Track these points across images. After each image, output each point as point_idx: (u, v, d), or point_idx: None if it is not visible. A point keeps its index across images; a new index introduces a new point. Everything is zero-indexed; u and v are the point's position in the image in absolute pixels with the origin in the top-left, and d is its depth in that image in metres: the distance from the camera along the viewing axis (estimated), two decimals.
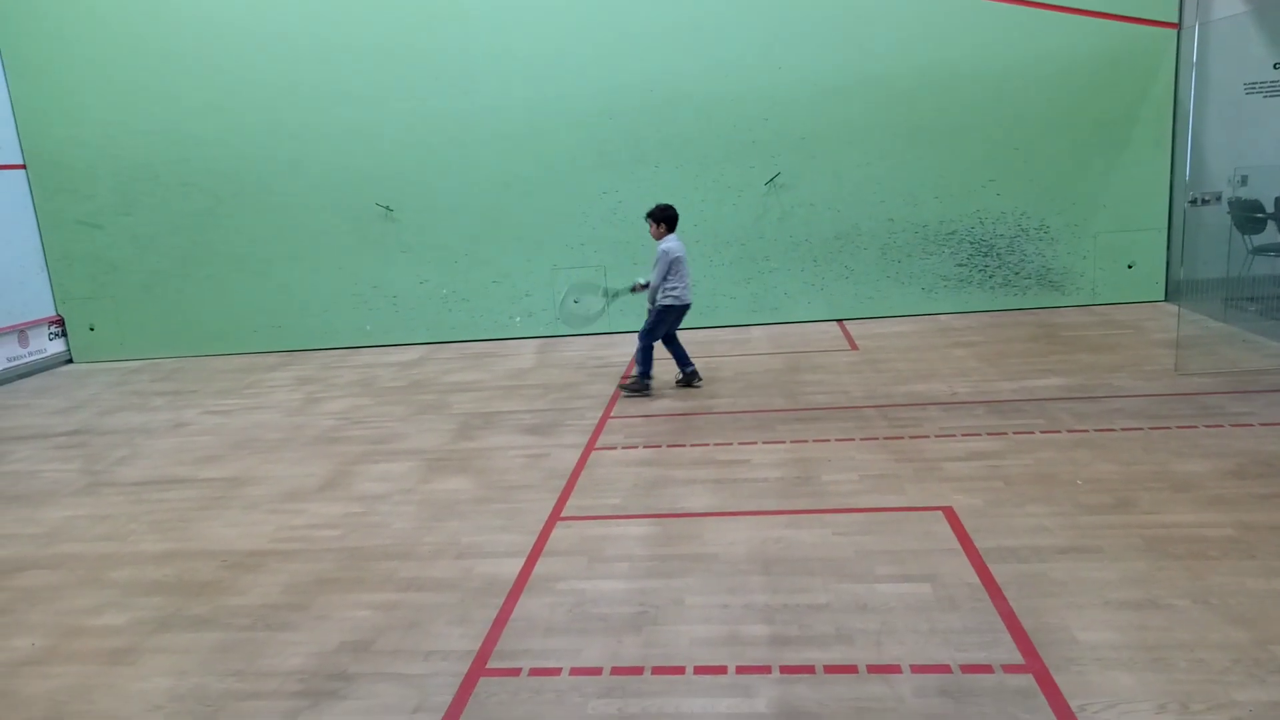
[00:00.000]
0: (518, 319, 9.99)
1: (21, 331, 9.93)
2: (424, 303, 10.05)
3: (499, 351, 9.36)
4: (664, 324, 6.97)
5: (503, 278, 9.93)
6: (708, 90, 9.30)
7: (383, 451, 6.20)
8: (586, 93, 9.42)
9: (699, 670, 3.27)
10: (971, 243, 9.35)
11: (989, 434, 5.59)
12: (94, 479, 6.09)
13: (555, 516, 4.81)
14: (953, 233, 9.36)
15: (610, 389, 7.38)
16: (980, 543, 4.11)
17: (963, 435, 5.61)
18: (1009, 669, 3.14)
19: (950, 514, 4.45)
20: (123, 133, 9.95)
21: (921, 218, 9.36)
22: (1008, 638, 3.33)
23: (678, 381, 7.23)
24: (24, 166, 10.12)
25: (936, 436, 5.62)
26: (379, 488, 5.48)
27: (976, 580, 3.78)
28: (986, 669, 3.15)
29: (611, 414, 6.67)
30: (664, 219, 6.88)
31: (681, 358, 7.15)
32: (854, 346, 8.35)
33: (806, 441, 5.70)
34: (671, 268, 6.76)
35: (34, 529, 5.22)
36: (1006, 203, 9.23)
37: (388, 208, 9.86)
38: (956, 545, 4.11)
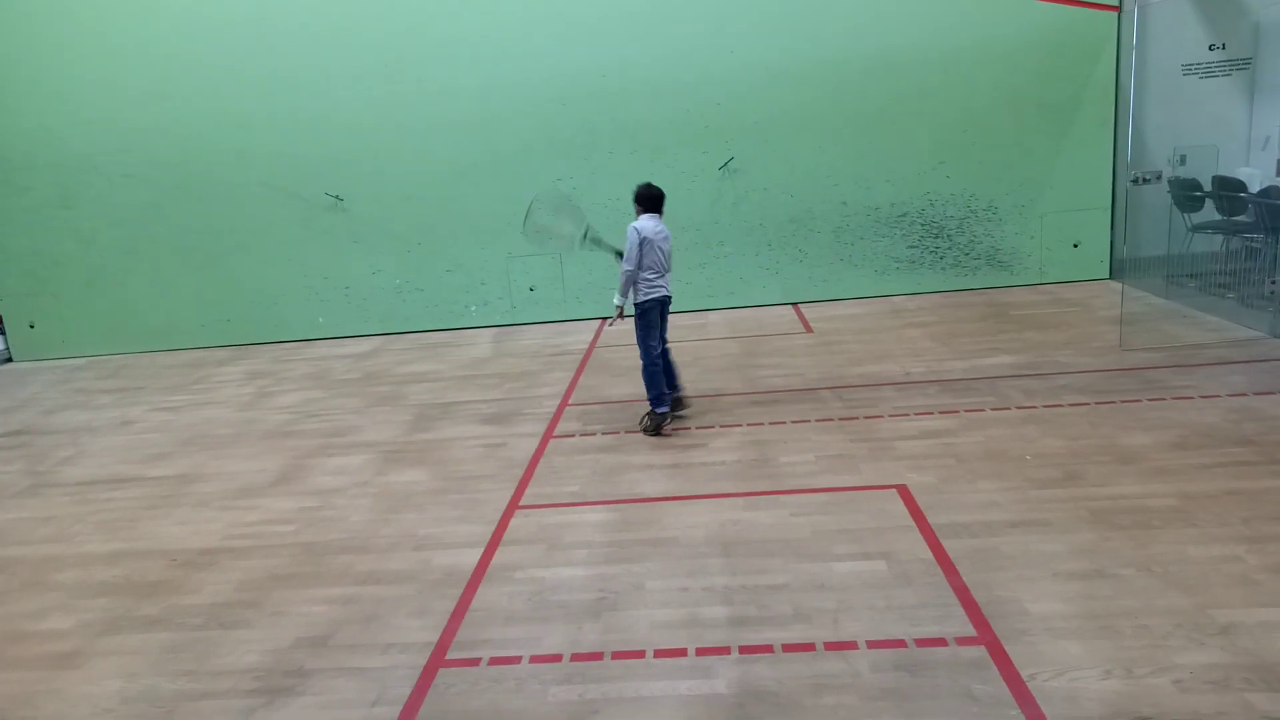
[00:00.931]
0: (473, 308, 9.90)
1: None
2: (377, 293, 9.91)
3: (454, 341, 9.28)
4: (651, 327, 5.74)
5: (456, 267, 9.82)
6: (660, 75, 9.27)
7: (337, 445, 6.12)
8: (538, 79, 9.33)
9: (659, 653, 3.29)
10: (923, 224, 9.47)
11: (941, 412, 5.68)
12: (37, 480, 5.92)
13: (514, 505, 4.79)
14: (904, 215, 9.47)
15: (568, 375, 7.35)
16: (933, 519, 4.18)
17: (916, 414, 5.69)
18: (962, 641, 3.20)
19: (904, 492, 4.52)
20: (61, 123, 9.63)
21: (874, 200, 9.45)
22: (960, 611, 3.40)
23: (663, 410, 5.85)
24: None
25: (890, 416, 5.70)
26: (334, 481, 5.41)
27: (930, 556, 3.84)
28: (940, 642, 3.21)
29: (569, 402, 6.65)
30: (640, 198, 5.72)
31: (668, 373, 5.91)
32: (809, 329, 8.42)
33: (763, 424, 5.74)
34: (642, 252, 5.61)
35: None
36: (956, 185, 9.36)
37: (338, 197, 9.69)
38: (910, 522, 4.18)
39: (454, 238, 9.76)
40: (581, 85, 9.32)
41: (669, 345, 5.98)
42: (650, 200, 5.71)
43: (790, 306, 9.56)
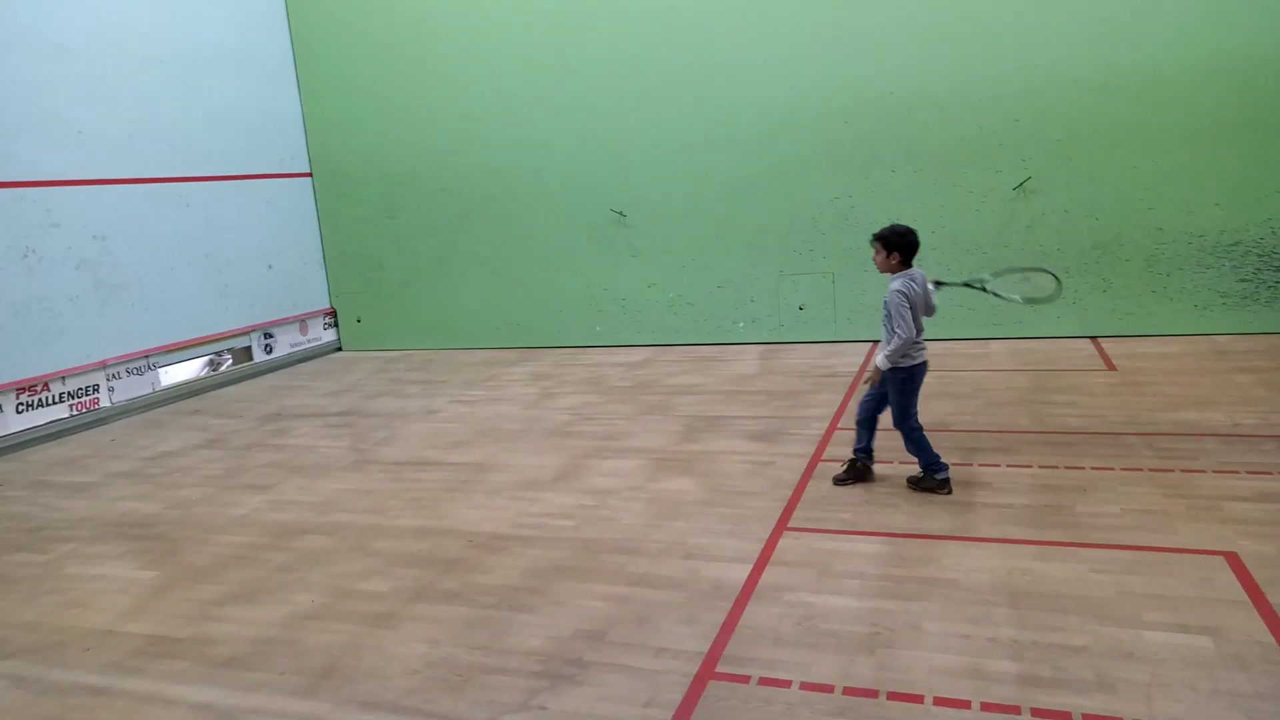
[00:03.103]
0: (741, 324, 9.99)
1: (302, 321, 11.21)
2: (651, 306, 10.30)
3: (722, 356, 9.42)
4: (913, 394, 5.04)
5: (727, 283, 9.97)
6: (951, 90, 8.85)
7: (611, 448, 6.41)
8: (821, 95, 9.27)
9: (939, 701, 3.10)
10: (1259, 255, 8.26)
11: None
12: (360, 456, 6.75)
13: (782, 526, 4.75)
14: (1236, 244, 8.31)
15: (837, 398, 7.20)
16: (1274, 596, 3.61)
17: (1248, 473, 4.96)
18: None
19: (1234, 560, 3.94)
20: (390, 143, 10.98)
21: (1197, 226, 8.39)
22: None
23: (840, 475, 5.30)
24: (310, 175, 11.42)
25: (1215, 472, 5.01)
26: (609, 483, 5.67)
27: (1271, 640, 3.31)
28: None
29: (838, 426, 6.50)
30: (895, 245, 4.90)
31: (867, 439, 5.26)
32: (1111, 366, 7.63)
33: (1058, 467, 5.27)
34: (914, 318, 4.86)
35: (312, 498, 5.86)
36: None
37: (621, 213, 10.20)
38: (1244, 597, 3.63)
39: (727, 254, 9.92)
40: (867, 101, 9.13)
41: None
42: (912, 250, 4.92)
43: (1089, 340, 8.72)
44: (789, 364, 8.76)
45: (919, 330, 4.89)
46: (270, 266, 10.75)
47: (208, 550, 5.06)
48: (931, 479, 5.03)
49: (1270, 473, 4.93)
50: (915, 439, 5.03)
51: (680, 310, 10.20)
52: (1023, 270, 5.96)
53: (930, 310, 5.02)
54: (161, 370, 9.27)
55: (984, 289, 5.36)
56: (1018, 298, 5.56)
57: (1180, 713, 2.94)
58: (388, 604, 4.19)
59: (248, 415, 8.40)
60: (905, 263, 4.93)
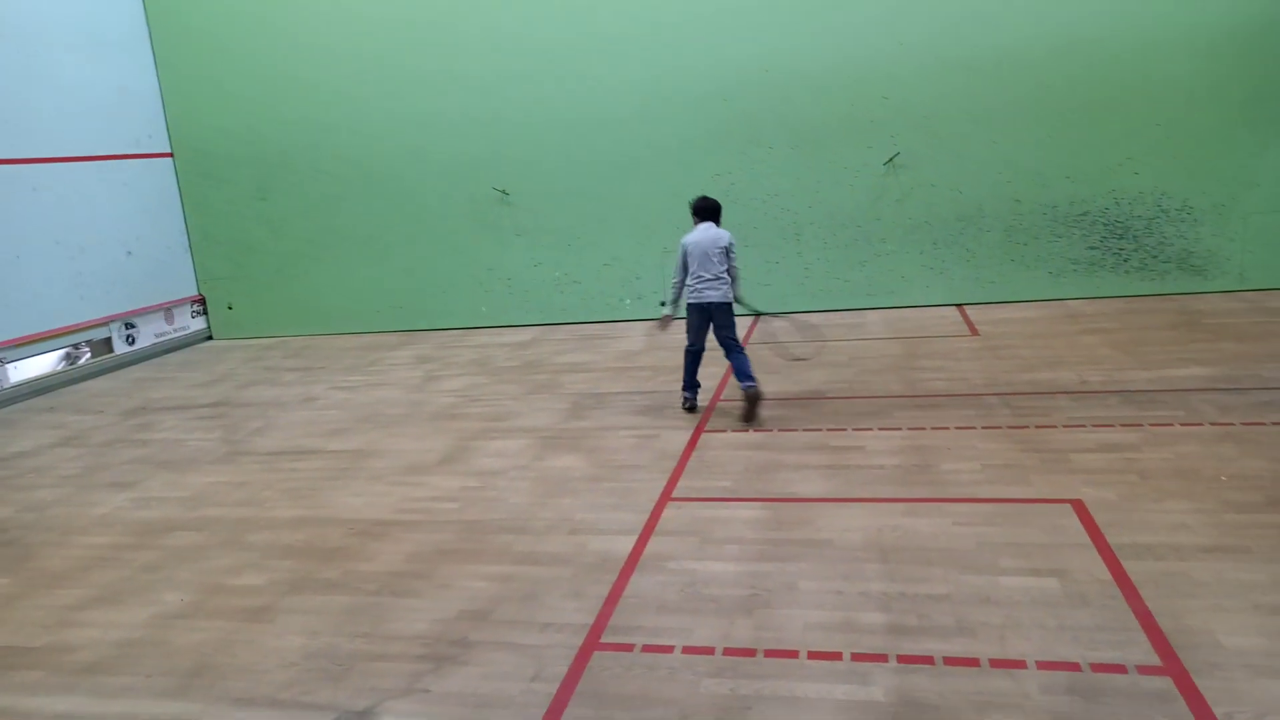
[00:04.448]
0: (628, 301, 10.05)
1: (168, 309, 10.64)
2: (537, 285, 10.23)
3: (609, 334, 9.45)
4: (690, 327, 6.18)
5: (614, 260, 10.00)
6: (825, 69, 9.09)
7: (498, 429, 6.37)
8: (700, 74, 9.36)
9: (813, 655, 3.23)
10: (1105, 224, 8.85)
11: (1123, 425, 5.30)
12: (233, 448, 6.48)
13: (666, 497, 4.83)
14: (1085, 214, 8.88)
15: (719, 371, 7.35)
16: (1113, 538, 3.91)
17: (1094, 426, 5.33)
18: (1144, 670, 2.98)
19: (1080, 507, 4.24)
20: (259, 121, 10.49)
21: (1051, 198, 8.91)
22: (1143, 638, 3.16)
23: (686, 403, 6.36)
24: (171, 155, 10.80)
25: (1065, 427, 5.37)
26: (495, 463, 5.63)
27: (1109, 577, 3.59)
28: (1119, 669, 3.00)
29: (721, 397, 6.65)
30: (695, 210, 6.24)
31: (689, 376, 6.32)
32: (975, 332, 8.04)
33: (925, 429, 5.54)
34: (685, 263, 6.07)
35: (180, 493, 5.60)
36: (1145, 182, 8.69)
37: (504, 191, 10.07)
38: (1087, 540, 3.92)
39: (612, 232, 9.94)
40: (744, 80, 9.28)
41: (744, 352, 6.09)
42: (707, 213, 6.17)
43: (955, 308, 9.17)
44: (676, 340, 8.84)
45: (701, 276, 6.00)
46: (130, 253, 10.14)
47: (66, 554, 4.77)
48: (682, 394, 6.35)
49: (1112, 425, 5.32)
50: (685, 361, 6.26)
51: (567, 289, 10.17)
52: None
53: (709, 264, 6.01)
54: (10, 366, 8.64)
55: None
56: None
57: (1030, 649, 3.16)
58: (263, 598, 4.06)
59: (109, 410, 7.94)
60: (699, 222, 6.16)
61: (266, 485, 5.60)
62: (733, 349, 6.08)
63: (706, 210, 6.18)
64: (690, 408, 6.32)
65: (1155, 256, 8.80)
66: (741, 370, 5.99)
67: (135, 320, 10.12)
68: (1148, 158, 8.64)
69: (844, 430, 5.65)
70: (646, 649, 3.37)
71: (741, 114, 9.36)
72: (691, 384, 6.32)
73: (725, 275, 6.02)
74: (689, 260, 6.04)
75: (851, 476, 4.89)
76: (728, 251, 6.05)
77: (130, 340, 10.04)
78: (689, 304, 6.09)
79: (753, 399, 5.91)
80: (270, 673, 3.43)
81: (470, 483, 5.33)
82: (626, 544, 4.28)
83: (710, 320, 6.07)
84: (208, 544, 4.74)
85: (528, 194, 10.05)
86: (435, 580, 4.09)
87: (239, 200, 10.76)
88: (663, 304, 6.00)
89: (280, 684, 3.35)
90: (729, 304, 6.06)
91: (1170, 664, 3.00)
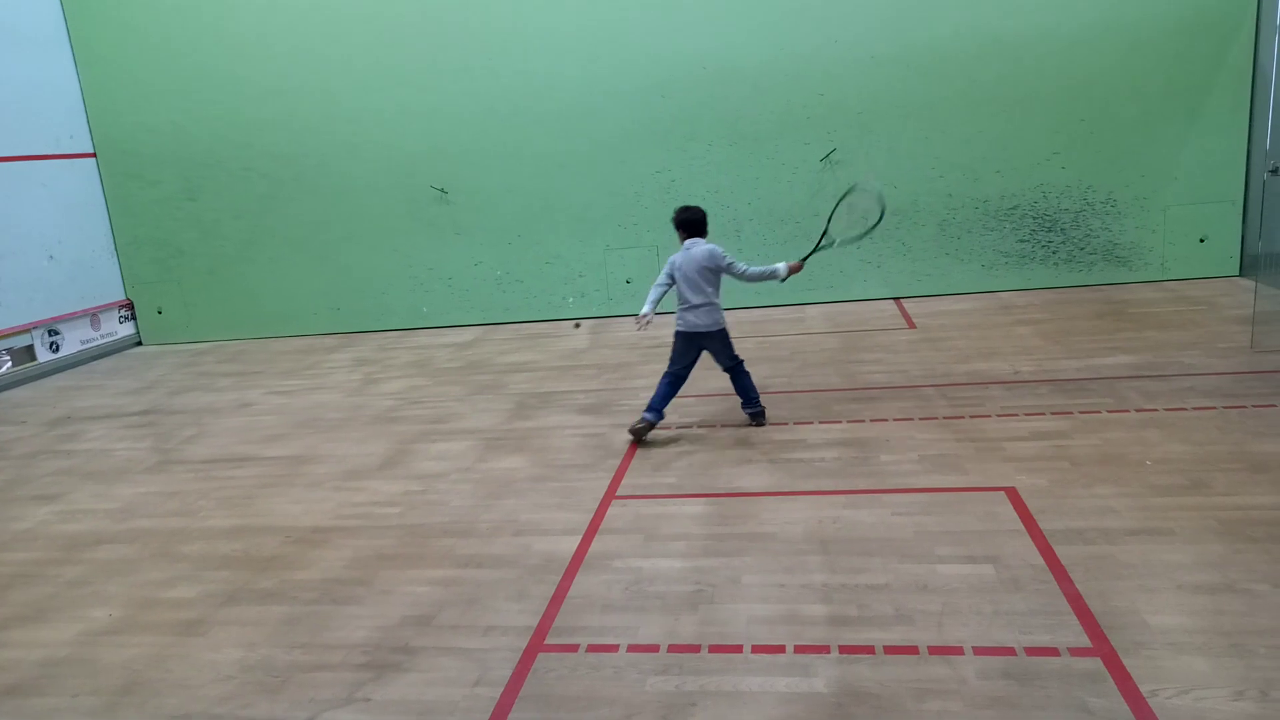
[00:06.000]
0: (571, 300, 10.01)
1: (94, 315, 10.27)
2: (478, 284, 10.13)
3: (553, 332, 9.41)
4: (674, 352, 5.62)
5: (555, 259, 9.95)
6: (761, 65, 9.16)
7: (440, 431, 6.29)
8: (638, 70, 9.36)
9: (757, 649, 3.26)
10: (1034, 218, 9.10)
11: (1053, 413, 5.45)
12: (164, 457, 6.28)
13: (611, 495, 4.83)
14: (1014, 208, 9.11)
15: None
16: (1045, 524, 4.02)
17: (1026, 415, 5.48)
18: (1076, 652, 3.07)
19: (1013, 494, 4.35)
20: (186, 119, 10.18)
21: (982, 193, 9.12)
22: (1074, 620, 3.25)
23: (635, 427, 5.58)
24: (94, 155, 10.42)
25: (998, 416, 5.50)
26: (437, 466, 5.56)
27: (1041, 562, 3.69)
28: (1052, 652, 3.08)
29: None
30: (678, 224, 5.58)
31: (657, 400, 5.60)
32: (912, 325, 8.20)
33: (864, 421, 5.62)
34: (670, 276, 5.50)
35: (109, 504, 5.41)
36: (1071, 176, 8.95)
37: (442, 190, 9.94)
38: (1020, 526, 4.02)
39: (553, 230, 9.89)
40: (682, 75, 9.30)
41: (746, 371, 5.71)
42: (692, 226, 5.50)
43: (892, 301, 9.33)
44: (620, 337, 8.87)
45: (686, 301, 5.45)
46: (51, 257, 9.77)
47: None
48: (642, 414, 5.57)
49: (1043, 413, 5.47)
50: (660, 382, 5.63)
51: (509, 287, 10.09)
52: (840, 204, 6.08)
53: (692, 283, 5.41)
54: None
55: (833, 244, 5.88)
56: (858, 232, 5.98)
57: (967, 635, 3.23)
58: (197, 610, 3.94)
59: (31, 420, 7.64)
60: (684, 238, 5.55)
61: (200, 494, 5.44)
62: (735, 372, 5.69)
63: (687, 224, 5.51)
64: (639, 430, 5.54)
65: (1082, 249, 9.08)
66: (745, 395, 5.71)
67: (59, 327, 9.75)
68: (1073, 152, 8.89)
69: (786, 424, 5.70)
70: (591, 649, 3.36)
71: (680, 110, 9.38)
72: (656, 408, 5.57)
73: (716, 299, 5.46)
74: (677, 285, 5.48)
75: (794, 470, 4.94)
76: (717, 270, 5.41)
77: (54, 348, 9.67)
78: (676, 330, 5.55)
79: (758, 425, 5.69)
80: (205, 687, 3.33)
81: (412, 486, 5.25)
82: (571, 544, 4.26)
83: (700, 349, 5.57)
84: (138, 557, 4.59)
85: (467, 191, 9.94)
86: (376, 587, 4.02)
87: (167, 201, 10.44)
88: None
89: (215, 698, 3.26)
90: (720, 331, 5.51)
91: (1100, 645, 3.09)
